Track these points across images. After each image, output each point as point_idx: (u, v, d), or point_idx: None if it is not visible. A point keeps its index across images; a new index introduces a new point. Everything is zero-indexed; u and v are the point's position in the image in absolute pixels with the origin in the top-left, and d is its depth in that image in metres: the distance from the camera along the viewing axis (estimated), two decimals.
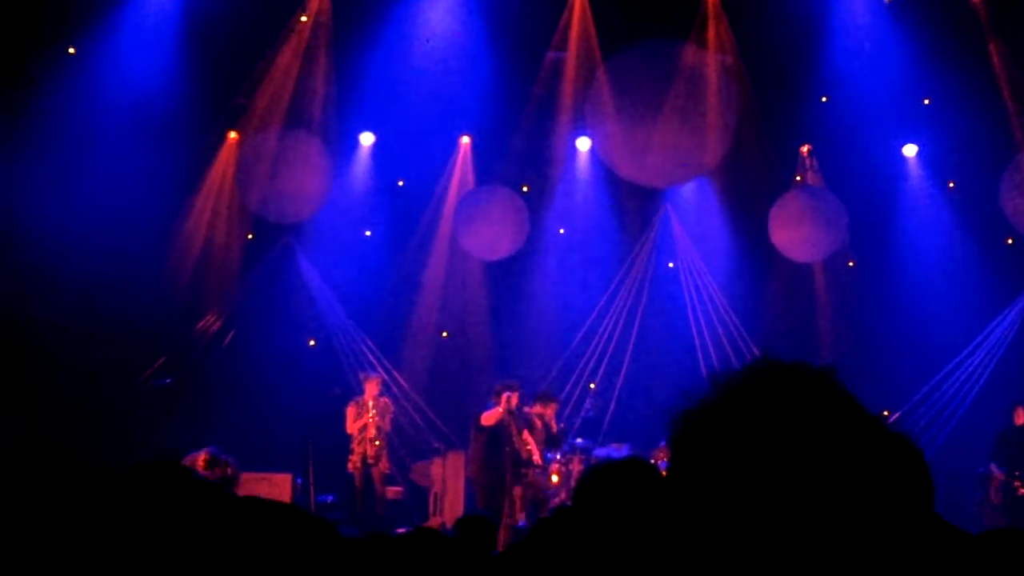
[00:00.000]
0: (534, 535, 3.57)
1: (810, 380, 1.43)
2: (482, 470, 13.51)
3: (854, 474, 1.35)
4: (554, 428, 13.79)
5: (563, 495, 13.68)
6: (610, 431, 14.92)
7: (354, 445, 14.12)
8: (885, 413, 15.18)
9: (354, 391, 14.70)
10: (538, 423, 13.77)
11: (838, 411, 1.40)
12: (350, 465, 14.12)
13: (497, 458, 13.32)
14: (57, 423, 13.63)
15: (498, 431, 13.39)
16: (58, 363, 14.52)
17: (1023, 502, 13.98)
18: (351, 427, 14.17)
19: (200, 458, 12.71)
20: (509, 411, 13.40)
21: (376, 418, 14.10)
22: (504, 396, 13.40)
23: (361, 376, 14.93)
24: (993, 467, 14.34)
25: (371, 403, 14.15)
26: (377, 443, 14.08)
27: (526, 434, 13.80)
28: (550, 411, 13.90)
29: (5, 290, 14.61)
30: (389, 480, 14.65)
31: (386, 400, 14.57)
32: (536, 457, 13.78)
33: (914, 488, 1.43)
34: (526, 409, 13.89)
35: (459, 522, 7.24)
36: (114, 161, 15.24)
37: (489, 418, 13.41)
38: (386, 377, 15.70)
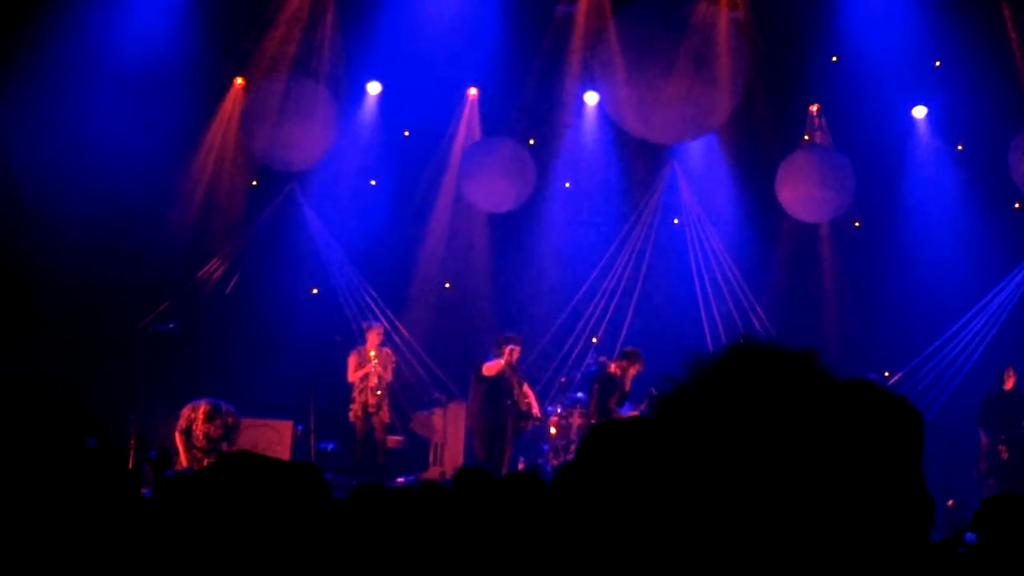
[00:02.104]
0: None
1: (786, 363, 1.44)
2: (481, 421, 13.56)
3: (827, 458, 1.36)
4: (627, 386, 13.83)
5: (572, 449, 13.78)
6: None
7: (355, 394, 14.14)
8: (886, 374, 15.21)
9: (356, 340, 14.71)
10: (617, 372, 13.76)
11: (813, 394, 1.40)
12: (351, 414, 14.15)
13: (497, 409, 13.37)
14: (59, 367, 13.66)
15: (499, 383, 13.43)
16: (61, 307, 14.53)
17: (1008, 466, 13.92)
18: (352, 376, 14.18)
19: (201, 409, 12.75)
20: (510, 364, 13.45)
21: (378, 367, 14.11)
22: (507, 348, 13.46)
23: (364, 325, 14.94)
24: (981, 432, 14.28)
25: (373, 353, 14.16)
26: (379, 392, 14.10)
27: (526, 387, 13.87)
28: (633, 370, 13.88)
29: (8, 234, 14.60)
30: (390, 429, 14.68)
31: (388, 350, 14.58)
32: (535, 410, 13.85)
33: (900, 451, 1.43)
34: (613, 365, 13.87)
35: (457, 474, 7.30)
36: (120, 104, 15.15)
37: (490, 369, 13.46)
38: (388, 327, 15.72)
